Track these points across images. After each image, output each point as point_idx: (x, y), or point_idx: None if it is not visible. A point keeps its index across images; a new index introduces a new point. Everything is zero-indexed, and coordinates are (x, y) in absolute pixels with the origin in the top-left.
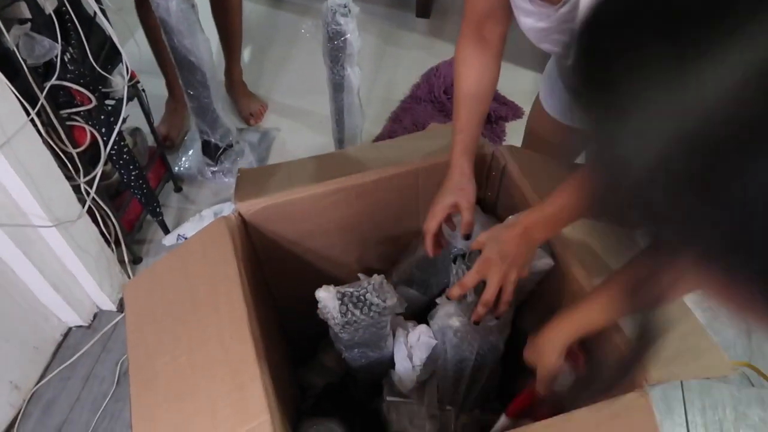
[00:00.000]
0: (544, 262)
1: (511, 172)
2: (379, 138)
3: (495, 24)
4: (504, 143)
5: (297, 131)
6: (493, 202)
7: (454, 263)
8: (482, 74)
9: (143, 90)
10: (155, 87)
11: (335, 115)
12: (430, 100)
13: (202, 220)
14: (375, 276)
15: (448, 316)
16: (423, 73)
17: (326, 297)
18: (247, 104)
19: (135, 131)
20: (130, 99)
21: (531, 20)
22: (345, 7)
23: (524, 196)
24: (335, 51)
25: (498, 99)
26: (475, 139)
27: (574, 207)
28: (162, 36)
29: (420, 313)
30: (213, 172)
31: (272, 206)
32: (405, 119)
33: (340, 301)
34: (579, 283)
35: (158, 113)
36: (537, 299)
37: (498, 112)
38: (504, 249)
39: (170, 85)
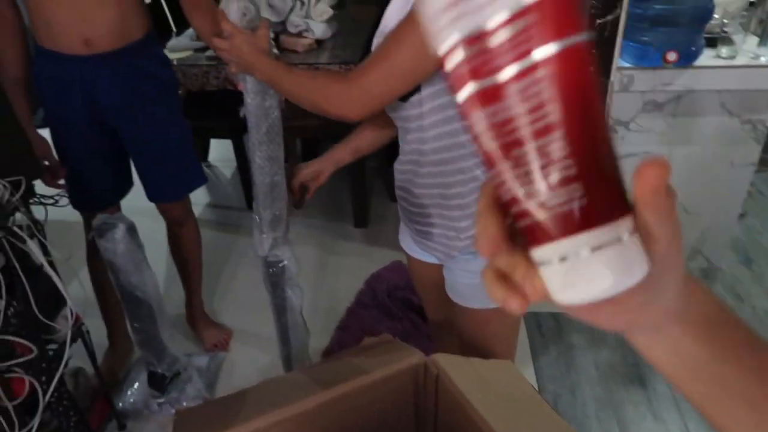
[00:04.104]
0: None
1: (446, 384)
2: (328, 349)
3: None
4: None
5: (245, 352)
6: (432, 418)
7: None
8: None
9: (87, 331)
10: (100, 326)
11: (281, 335)
12: (375, 305)
13: None
14: None
15: None
16: (365, 279)
17: None
18: (210, 336)
19: (77, 372)
20: (73, 341)
21: None
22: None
23: (465, 410)
24: (274, 277)
25: None
26: None
27: None
28: (107, 282)
29: None
30: (160, 404)
31: None
32: (353, 326)
33: None
34: None
35: (102, 349)
36: None
37: None
38: None
39: (111, 332)
